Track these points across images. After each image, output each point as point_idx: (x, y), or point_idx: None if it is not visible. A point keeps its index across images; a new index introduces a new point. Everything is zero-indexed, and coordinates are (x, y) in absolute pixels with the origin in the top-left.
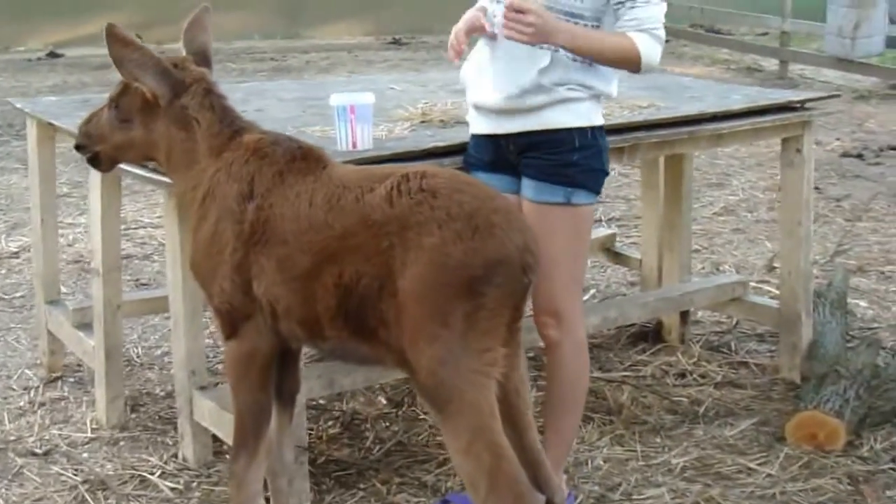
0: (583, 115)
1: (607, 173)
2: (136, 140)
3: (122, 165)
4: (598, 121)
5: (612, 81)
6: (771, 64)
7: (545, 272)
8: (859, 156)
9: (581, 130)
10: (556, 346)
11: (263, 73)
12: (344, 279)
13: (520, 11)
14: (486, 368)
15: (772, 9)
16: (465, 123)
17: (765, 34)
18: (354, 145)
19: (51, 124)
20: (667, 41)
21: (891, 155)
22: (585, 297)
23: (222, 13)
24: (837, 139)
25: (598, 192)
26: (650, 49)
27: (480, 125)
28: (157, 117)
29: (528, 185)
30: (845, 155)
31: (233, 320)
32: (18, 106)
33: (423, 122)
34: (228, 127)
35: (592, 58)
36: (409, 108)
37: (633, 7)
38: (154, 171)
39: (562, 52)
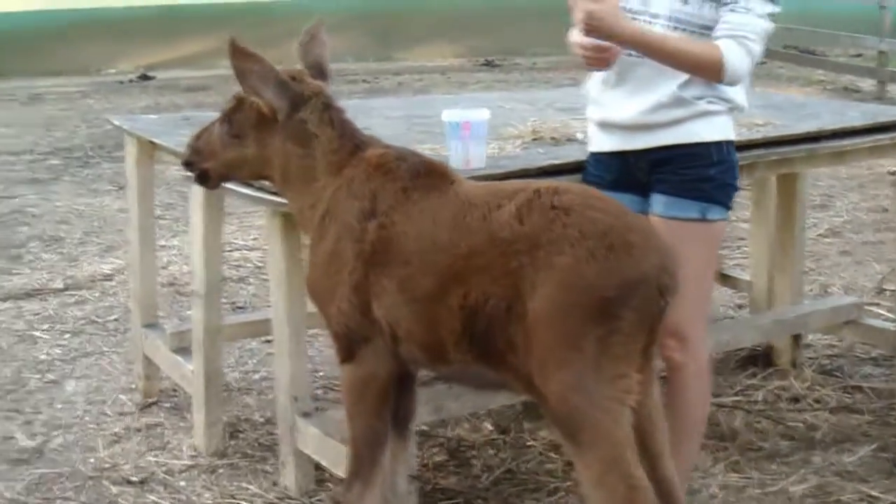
0: (720, 128)
1: (738, 189)
2: (248, 156)
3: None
4: (733, 135)
5: (744, 94)
6: (868, 84)
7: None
8: None
9: (718, 145)
10: (680, 370)
11: (357, 95)
12: (470, 301)
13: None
14: (621, 395)
15: (867, 29)
16: (577, 141)
17: (859, 55)
18: (468, 163)
19: (151, 143)
20: (762, 63)
21: None
22: None
23: None
24: None
25: (730, 208)
26: (736, 58)
27: (604, 142)
28: (274, 132)
29: (659, 201)
30: None
31: (350, 343)
32: (117, 124)
33: (534, 139)
34: (349, 142)
35: (665, 60)
36: (519, 125)
37: (732, 10)
38: (260, 189)
39: None
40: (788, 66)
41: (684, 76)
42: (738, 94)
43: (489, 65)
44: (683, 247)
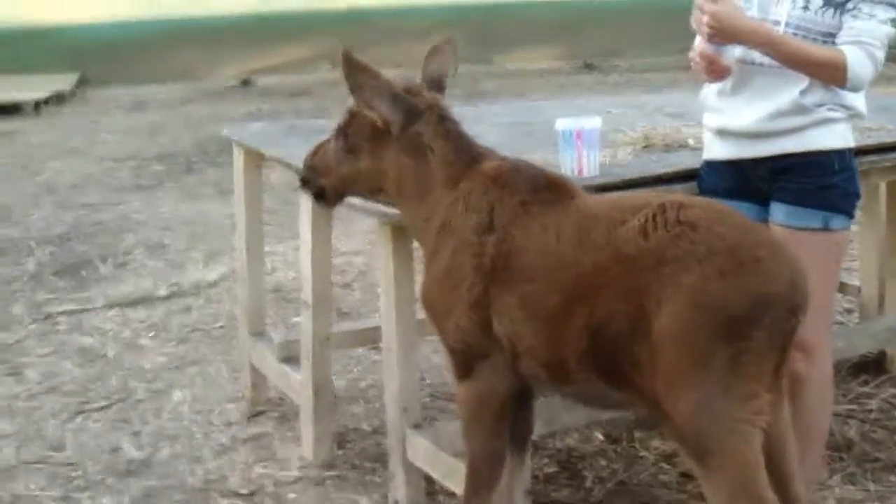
0: (841, 136)
1: (860, 196)
2: (363, 170)
3: None
4: (853, 142)
5: (864, 101)
6: None
7: None
8: None
9: (840, 153)
10: (804, 381)
11: (457, 98)
12: (595, 320)
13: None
14: (752, 417)
15: None
16: (690, 147)
17: None
18: (580, 172)
19: (259, 152)
20: None
21: None
22: None
23: (413, 41)
24: None
25: (853, 217)
26: (860, 64)
27: (721, 150)
28: (388, 146)
29: (780, 210)
30: None
31: (468, 359)
32: (225, 134)
33: (645, 146)
34: (465, 154)
35: (789, 60)
36: (629, 131)
37: (855, 17)
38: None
39: None
40: (890, 66)
41: (805, 83)
42: (858, 100)
43: (588, 67)
44: (807, 257)
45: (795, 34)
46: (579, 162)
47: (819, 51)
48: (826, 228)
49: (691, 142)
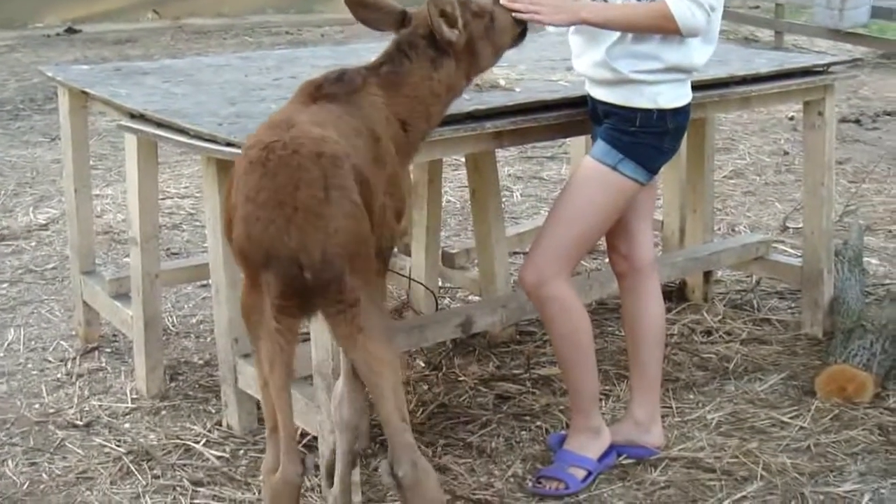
0: (650, 98)
1: (666, 153)
2: None
3: (159, 133)
4: (668, 104)
5: (696, 53)
6: (766, 35)
7: (552, 223)
8: (857, 121)
9: (646, 112)
10: (539, 303)
11: (280, 47)
12: None
13: None
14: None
15: None
16: (501, 88)
17: (756, 7)
18: None
19: (84, 93)
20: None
21: (887, 120)
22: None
23: None
24: (835, 106)
25: (649, 170)
26: (683, 10)
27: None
28: None
29: (596, 143)
30: (843, 121)
31: None
32: (50, 74)
33: None
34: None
35: (627, 29)
36: None
37: None
38: (195, 136)
39: None
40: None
41: (614, 37)
42: (678, 54)
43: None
44: (586, 184)
45: None
46: None
47: (644, 10)
48: (615, 168)
49: (502, 82)
